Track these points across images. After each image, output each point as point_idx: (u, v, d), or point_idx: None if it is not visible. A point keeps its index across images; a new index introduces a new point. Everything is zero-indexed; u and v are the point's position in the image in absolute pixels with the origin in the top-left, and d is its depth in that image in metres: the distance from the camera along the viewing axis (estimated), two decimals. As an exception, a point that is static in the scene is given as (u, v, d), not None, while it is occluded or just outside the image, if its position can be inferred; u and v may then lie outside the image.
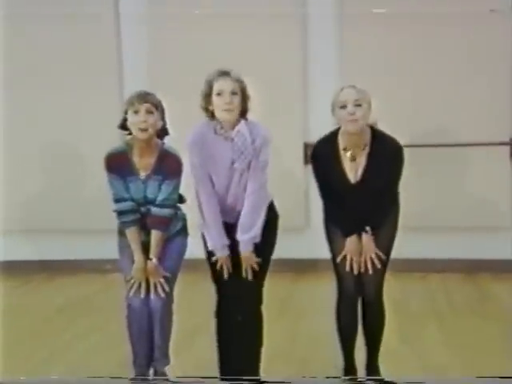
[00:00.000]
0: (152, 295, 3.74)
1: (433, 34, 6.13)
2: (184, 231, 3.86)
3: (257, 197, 3.52)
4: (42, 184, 6.58)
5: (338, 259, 3.61)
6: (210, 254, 3.62)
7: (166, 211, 3.71)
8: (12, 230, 6.69)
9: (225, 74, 3.45)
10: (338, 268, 3.65)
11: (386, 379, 3.67)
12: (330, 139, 3.59)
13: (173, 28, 6.32)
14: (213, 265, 3.61)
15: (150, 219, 3.71)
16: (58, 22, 6.49)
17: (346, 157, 3.55)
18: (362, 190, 3.53)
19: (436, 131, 6.16)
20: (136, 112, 3.59)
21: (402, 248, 6.57)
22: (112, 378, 3.71)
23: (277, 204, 3.65)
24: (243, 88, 3.48)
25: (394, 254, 6.32)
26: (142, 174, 3.69)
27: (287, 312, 5.10)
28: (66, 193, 6.58)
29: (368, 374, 3.79)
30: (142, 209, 3.73)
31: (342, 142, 3.55)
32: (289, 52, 6.31)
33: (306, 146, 5.96)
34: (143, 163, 3.69)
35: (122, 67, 6.56)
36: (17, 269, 6.53)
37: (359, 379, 3.68)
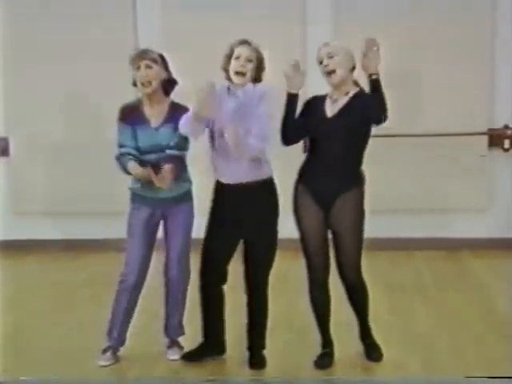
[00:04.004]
0: (172, 270, 3.77)
1: (412, 27, 6.09)
2: (189, 196, 3.84)
3: (258, 141, 3.45)
4: (70, 172, 6.57)
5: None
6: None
7: (180, 152, 3.69)
8: (43, 212, 6.71)
9: (245, 42, 3.52)
10: (305, 247, 3.60)
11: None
12: (323, 94, 3.60)
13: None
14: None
15: (165, 159, 3.65)
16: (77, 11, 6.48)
17: (329, 100, 3.52)
18: (335, 125, 3.44)
19: (424, 123, 6.13)
20: (138, 68, 3.64)
21: (390, 228, 6.62)
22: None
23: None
24: (260, 57, 3.55)
25: (383, 234, 6.36)
26: (154, 123, 3.70)
27: (288, 286, 5.08)
28: (91, 179, 6.58)
29: (361, 336, 3.77)
30: (153, 155, 3.68)
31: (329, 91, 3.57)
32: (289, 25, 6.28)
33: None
34: (154, 113, 3.71)
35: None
36: (46, 247, 6.54)
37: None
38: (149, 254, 3.81)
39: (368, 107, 3.38)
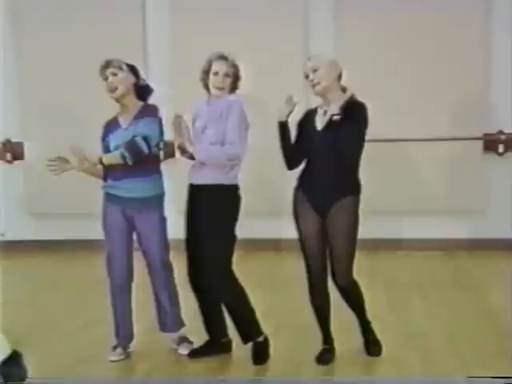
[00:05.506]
0: (158, 270, 3.79)
1: (410, 34, 6.12)
2: (160, 202, 3.82)
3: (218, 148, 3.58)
4: (83, 174, 6.53)
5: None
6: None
7: (143, 138, 3.63)
8: (57, 213, 6.79)
9: (223, 57, 3.65)
10: (304, 251, 3.63)
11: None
12: (315, 107, 3.65)
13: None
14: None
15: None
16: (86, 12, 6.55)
17: (320, 111, 3.57)
18: (325, 137, 3.45)
19: (425, 128, 6.17)
20: (106, 79, 3.71)
21: (390, 229, 6.63)
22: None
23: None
24: (236, 71, 3.67)
25: (382, 235, 6.36)
26: (124, 125, 3.76)
27: (290, 284, 5.08)
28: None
29: (362, 330, 3.81)
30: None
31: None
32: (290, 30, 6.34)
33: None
34: (126, 117, 3.77)
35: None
36: (60, 247, 6.63)
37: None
38: (129, 252, 3.81)
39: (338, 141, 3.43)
